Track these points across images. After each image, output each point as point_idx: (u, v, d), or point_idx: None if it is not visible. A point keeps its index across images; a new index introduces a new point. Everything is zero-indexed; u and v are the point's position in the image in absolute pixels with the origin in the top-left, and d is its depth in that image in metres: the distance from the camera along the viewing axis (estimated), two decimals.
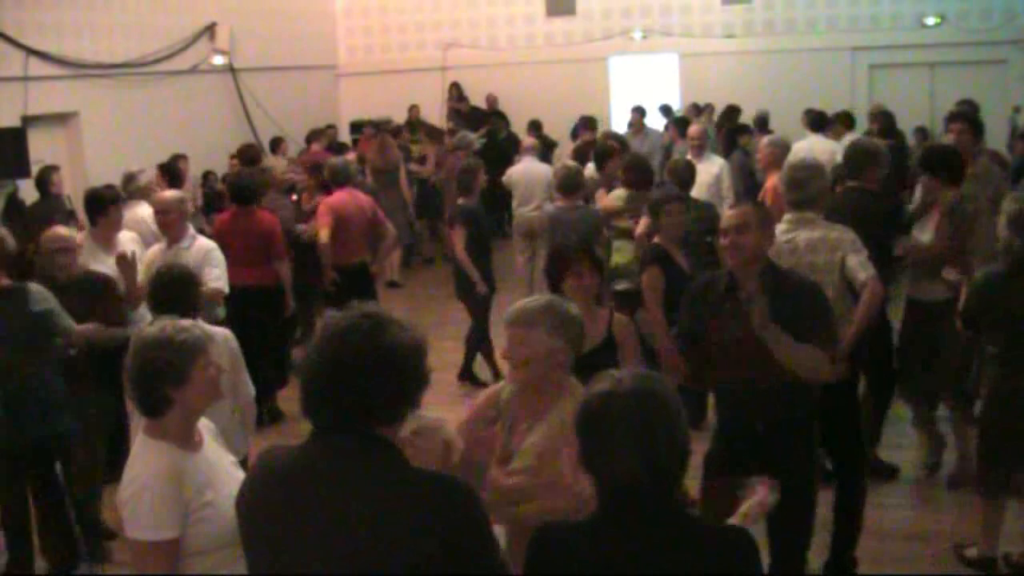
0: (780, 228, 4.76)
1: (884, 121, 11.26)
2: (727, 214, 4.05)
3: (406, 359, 2.17)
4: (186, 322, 2.99)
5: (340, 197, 8.11)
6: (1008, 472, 4.67)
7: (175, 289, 4.39)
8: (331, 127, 14.57)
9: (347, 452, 2.15)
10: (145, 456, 2.88)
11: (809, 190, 4.76)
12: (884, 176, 5.73)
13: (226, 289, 6.16)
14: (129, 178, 7.88)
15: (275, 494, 2.21)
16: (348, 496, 2.11)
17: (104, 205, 6.51)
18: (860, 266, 4.60)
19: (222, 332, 4.45)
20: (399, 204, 12.03)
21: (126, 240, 6.48)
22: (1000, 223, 4.59)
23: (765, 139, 7.99)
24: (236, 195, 7.42)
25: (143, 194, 7.64)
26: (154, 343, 2.87)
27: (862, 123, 12.73)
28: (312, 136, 13.26)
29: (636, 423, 2.15)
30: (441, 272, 12.52)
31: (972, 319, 4.71)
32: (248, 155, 10.05)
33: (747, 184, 9.76)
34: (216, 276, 6.05)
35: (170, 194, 6.38)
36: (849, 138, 9.84)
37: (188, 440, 2.93)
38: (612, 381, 2.23)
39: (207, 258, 6.08)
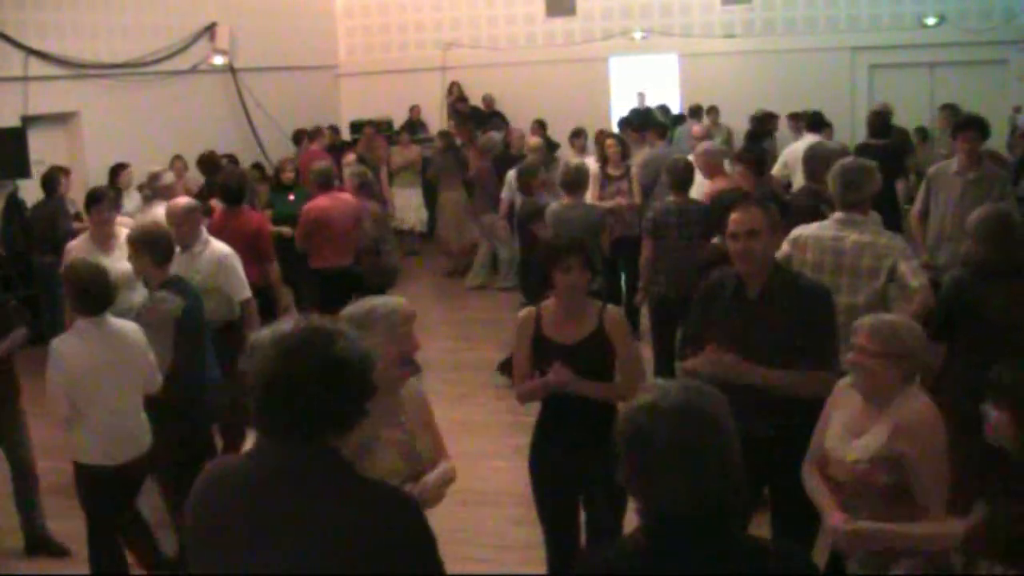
0: (827, 225, 4.80)
1: (876, 121, 11.15)
2: (735, 217, 3.99)
3: (355, 371, 2.19)
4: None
5: (320, 202, 8.12)
6: (966, 487, 4.57)
7: (99, 287, 4.57)
8: (332, 128, 14.54)
9: (294, 463, 2.16)
10: None
11: (863, 192, 4.76)
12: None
13: (249, 292, 6.17)
14: (153, 177, 7.85)
15: (223, 506, 2.21)
16: (294, 506, 2.13)
17: (91, 202, 6.57)
18: (912, 274, 4.58)
19: (132, 326, 4.76)
20: None
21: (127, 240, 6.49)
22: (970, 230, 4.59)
23: (700, 147, 7.97)
24: (225, 196, 7.38)
25: (165, 193, 7.62)
26: None
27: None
28: (300, 136, 13.35)
29: (682, 446, 1.97)
30: (439, 272, 12.53)
31: (946, 326, 4.60)
32: (208, 164, 9.96)
33: None
34: (242, 285, 6.12)
35: (182, 203, 6.33)
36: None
37: None
38: (657, 393, 2.05)
39: (223, 267, 6.08)
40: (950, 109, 11.07)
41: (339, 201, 8.22)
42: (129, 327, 4.76)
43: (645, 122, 11.97)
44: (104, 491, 4.68)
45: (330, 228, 8.01)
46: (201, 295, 6.08)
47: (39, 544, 5.52)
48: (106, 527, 4.78)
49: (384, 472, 2.99)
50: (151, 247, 5.17)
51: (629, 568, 2.07)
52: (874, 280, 4.61)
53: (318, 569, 2.10)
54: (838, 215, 4.79)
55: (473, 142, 12.87)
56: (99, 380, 4.54)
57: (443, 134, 13.53)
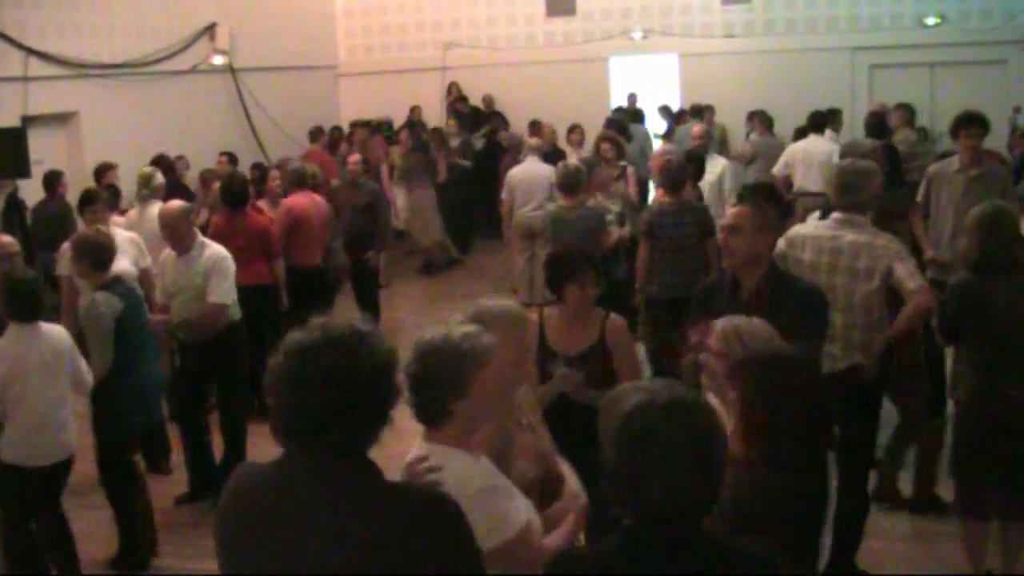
0: (827, 225, 4.80)
1: (873, 122, 11.13)
2: (727, 213, 4.14)
3: (388, 371, 2.14)
4: (472, 328, 2.72)
5: (296, 200, 8.18)
6: (984, 488, 4.53)
7: (32, 296, 4.71)
8: (335, 128, 14.52)
9: (324, 469, 2.10)
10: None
11: (860, 194, 4.73)
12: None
13: (227, 300, 6.15)
14: (147, 178, 7.88)
15: (251, 514, 2.15)
16: (326, 515, 2.07)
17: (86, 203, 6.59)
18: (909, 276, 4.54)
19: (60, 331, 4.90)
20: None
21: (123, 241, 6.47)
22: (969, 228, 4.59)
23: (660, 147, 7.98)
24: (228, 199, 7.37)
25: (160, 194, 7.66)
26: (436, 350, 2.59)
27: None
28: (316, 135, 13.32)
29: (684, 437, 2.01)
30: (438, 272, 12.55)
31: (953, 328, 4.60)
32: (162, 165, 9.95)
33: None
34: (220, 290, 6.08)
35: (174, 206, 6.28)
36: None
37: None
38: (646, 393, 2.08)
39: (217, 270, 6.08)
40: (904, 108, 11.09)
41: (315, 200, 8.32)
42: (57, 332, 4.90)
43: (610, 121, 12.00)
44: (24, 491, 4.77)
45: (309, 226, 8.08)
46: (198, 298, 6.10)
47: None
48: (22, 525, 4.86)
49: (517, 473, 2.95)
50: (89, 252, 5.27)
51: (605, 566, 2.08)
52: (869, 281, 4.59)
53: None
54: (837, 215, 4.79)
55: (443, 147, 12.91)
56: (26, 383, 4.67)
57: (413, 132, 13.49)
